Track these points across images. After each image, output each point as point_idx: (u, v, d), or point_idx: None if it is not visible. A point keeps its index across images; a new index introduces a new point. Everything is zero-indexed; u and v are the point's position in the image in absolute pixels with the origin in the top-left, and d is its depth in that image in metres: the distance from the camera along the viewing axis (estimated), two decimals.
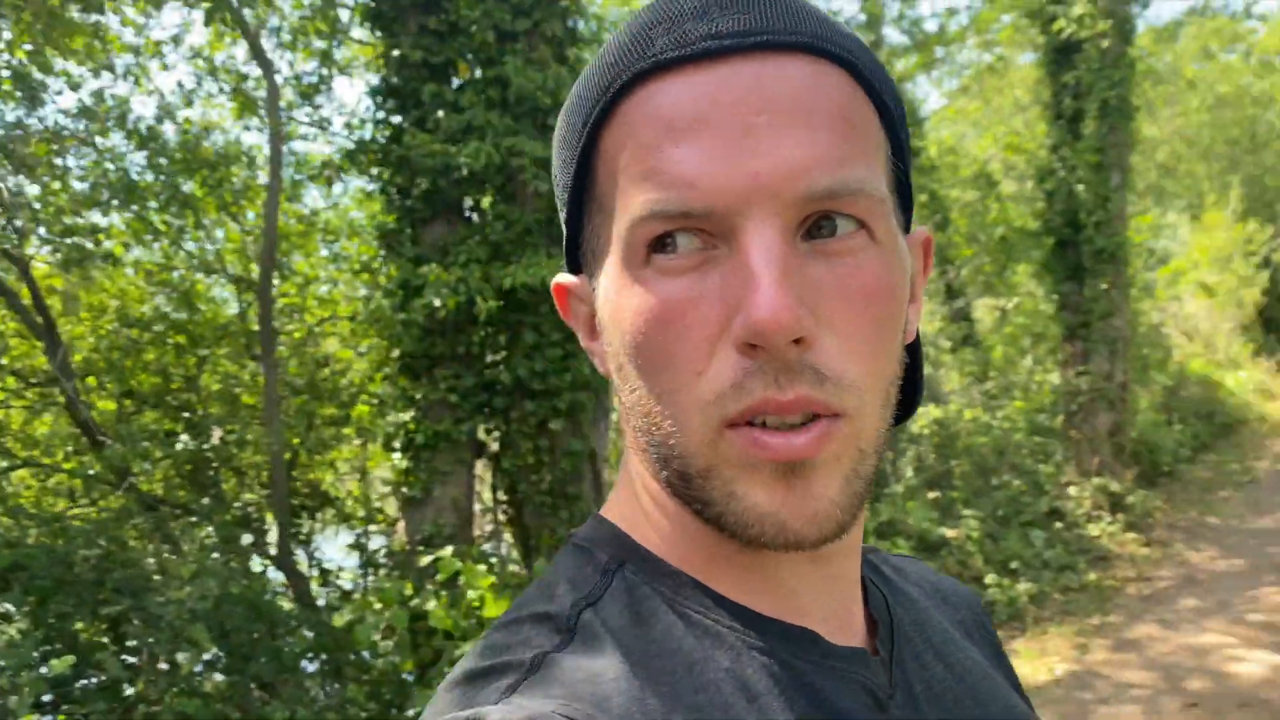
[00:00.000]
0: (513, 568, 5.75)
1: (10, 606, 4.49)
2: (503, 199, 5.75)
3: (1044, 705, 5.03)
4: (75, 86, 6.38)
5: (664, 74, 0.56)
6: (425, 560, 5.28)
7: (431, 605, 4.96)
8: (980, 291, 12.73)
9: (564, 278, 0.67)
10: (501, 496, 6.15)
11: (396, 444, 5.84)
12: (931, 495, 7.91)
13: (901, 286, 0.59)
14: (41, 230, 5.97)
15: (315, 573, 6.37)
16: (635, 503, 0.65)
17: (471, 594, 4.92)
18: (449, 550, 5.22)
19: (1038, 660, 5.80)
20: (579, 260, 0.66)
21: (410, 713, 4.70)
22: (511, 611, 0.62)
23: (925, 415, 8.68)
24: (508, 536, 6.30)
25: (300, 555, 6.49)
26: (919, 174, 11.12)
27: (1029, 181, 11.27)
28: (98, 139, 6.38)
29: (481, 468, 6.40)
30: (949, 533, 7.29)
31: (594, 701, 0.53)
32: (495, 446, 6.01)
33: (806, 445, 0.54)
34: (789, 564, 0.62)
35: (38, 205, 6.04)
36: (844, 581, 0.66)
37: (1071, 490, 8.85)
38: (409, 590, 5.20)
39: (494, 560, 5.91)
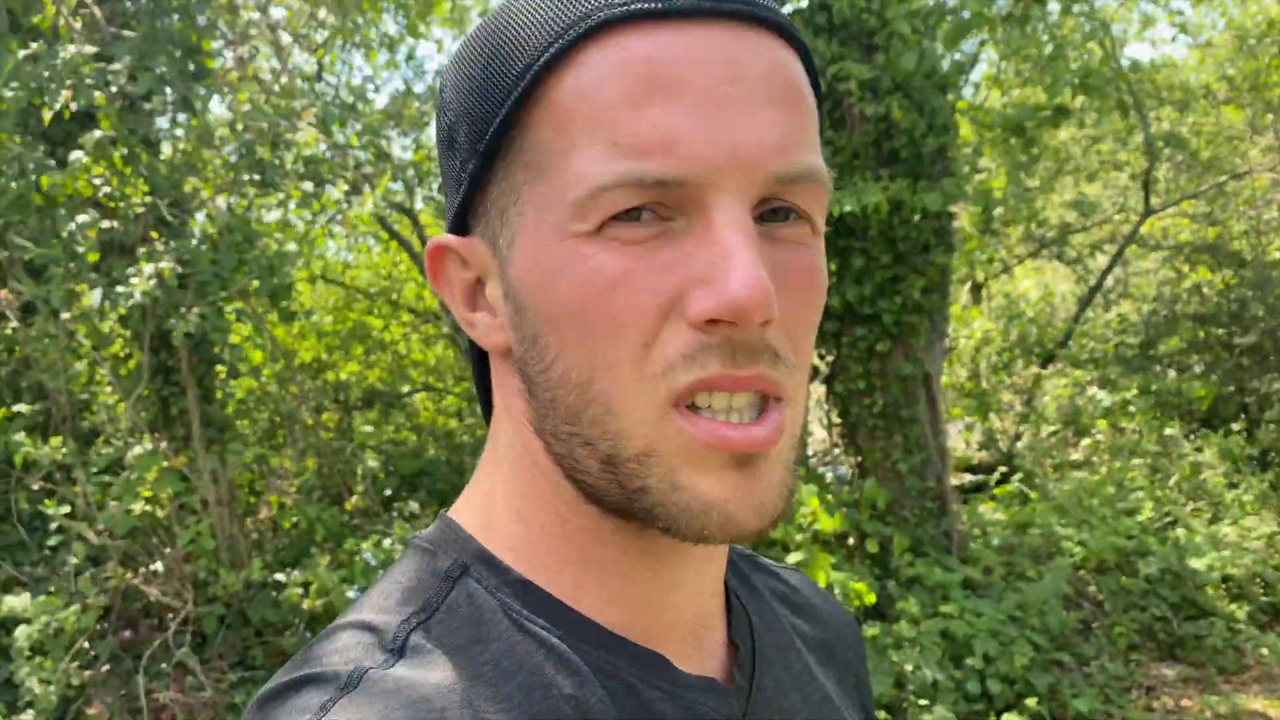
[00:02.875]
0: (846, 488, 5.92)
1: (416, 506, 5.31)
2: (830, 124, 5.81)
3: None
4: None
5: (634, 25, 0.52)
6: None
7: None
8: None
9: (446, 238, 0.60)
10: (835, 419, 6.30)
11: None
12: None
13: (825, 284, 0.58)
14: (424, 184, 6.80)
15: None
16: (489, 503, 0.62)
17: (804, 510, 5.15)
18: None
19: None
20: (466, 219, 0.61)
21: None
22: (338, 618, 0.59)
23: None
24: (844, 457, 6.45)
25: None
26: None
27: None
28: None
29: (816, 390, 6.59)
30: None
31: None
32: (827, 370, 6.16)
33: (767, 438, 0.52)
34: (667, 568, 0.59)
35: (420, 163, 6.89)
36: (708, 594, 0.64)
37: None
38: None
39: (829, 480, 6.11)
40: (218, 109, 4.05)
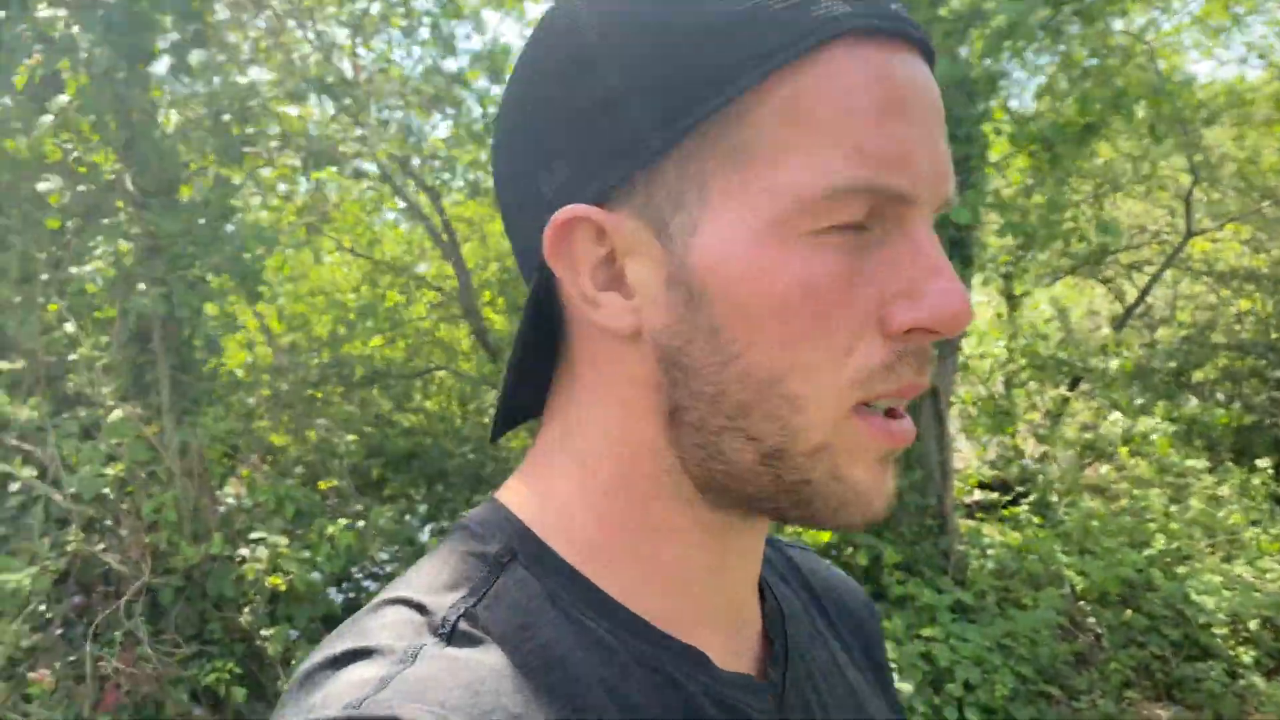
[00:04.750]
0: None
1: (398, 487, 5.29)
2: None
3: None
4: (482, 31, 7.08)
5: (872, 39, 0.53)
6: None
7: None
8: None
9: (586, 210, 0.56)
10: None
11: None
12: None
13: None
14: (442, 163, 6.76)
15: None
16: (549, 491, 0.61)
17: None
18: None
19: None
20: (608, 193, 0.56)
21: None
22: (383, 593, 0.58)
23: None
24: None
25: None
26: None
27: None
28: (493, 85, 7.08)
29: None
30: None
31: (474, 714, 0.49)
32: None
33: (913, 432, 0.57)
34: (727, 561, 0.61)
35: (446, 141, 6.85)
36: (750, 584, 0.64)
37: None
38: None
39: None
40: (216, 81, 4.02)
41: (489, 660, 0.52)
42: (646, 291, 0.56)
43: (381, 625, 0.54)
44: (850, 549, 5.36)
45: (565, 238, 0.56)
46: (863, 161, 0.52)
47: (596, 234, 0.56)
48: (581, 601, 0.57)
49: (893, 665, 4.46)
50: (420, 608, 0.55)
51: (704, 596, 0.61)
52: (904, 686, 4.34)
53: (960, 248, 5.60)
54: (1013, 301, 9.93)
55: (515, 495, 0.62)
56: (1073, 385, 8.53)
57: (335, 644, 0.53)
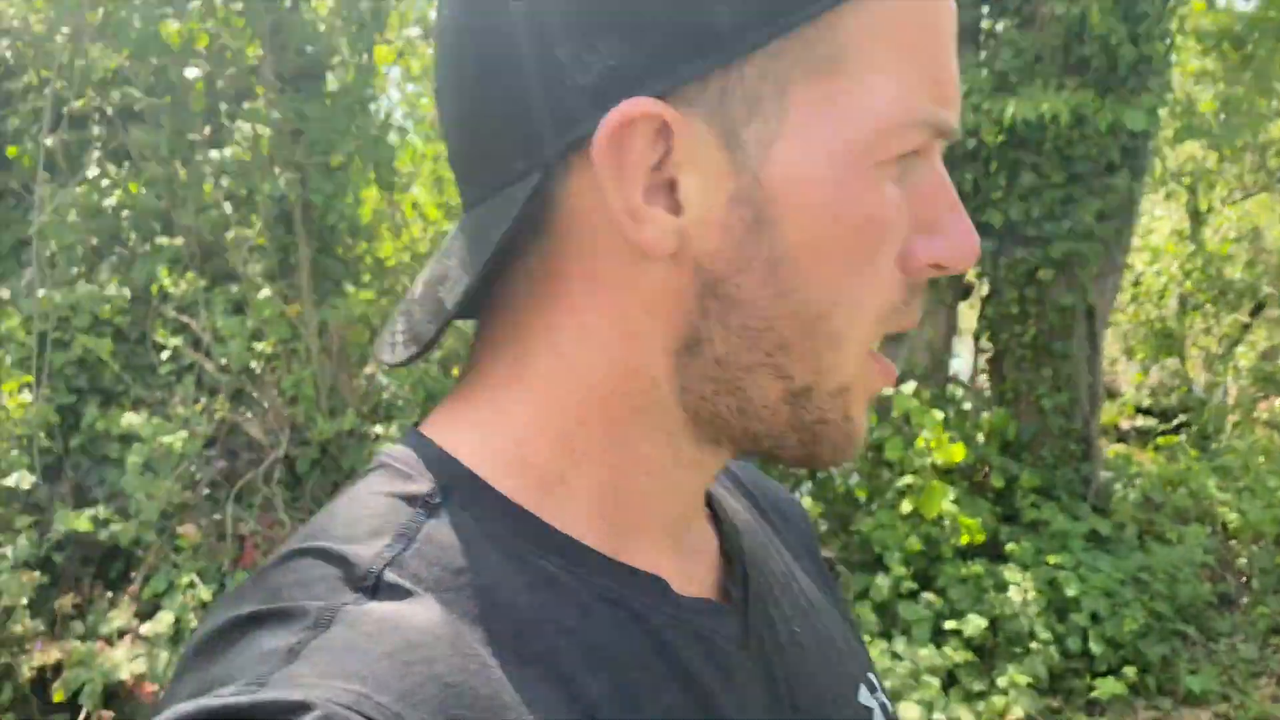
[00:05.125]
0: (983, 415, 5.59)
1: None
2: (1016, 22, 5.28)
3: None
4: None
5: None
6: (887, 392, 5.31)
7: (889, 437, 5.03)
8: None
9: (654, 105, 0.47)
10: (984, 344, 5.92)
11: None
12: None
13: None
14: None
15: None
16: (498, 421, 0.54)
17: (925, 435, 4.90)
18: (910, 387, 5.20)
19: None
20: (675, 83, 0.48)
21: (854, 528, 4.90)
22: (292, 541, 0.51)
23: None
24: (986, 385, 6.09)
25: None
26: None
27: None
28: None
29: (967, 311, 6.21)
30: None
31: (401, 690, 0.42)
32: (983, 292, 5.77)
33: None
34: (695, 483, 0.57)
35: None
36: (699, 508, 0.61)
37: None
38: (873, 420, 5.32)
39: (965, 406, 5.79)
40: None
41: (421, 616, 0.45)
42: (700, 209, 0.49)
43: (293, 581, 0.47)
44: (985, 470, 5.20)
45: (623, 136, 0.47)
46: (938, 93, 0.50)
47: (657, 135, 0.48)
48: (529, 540, 0.51)
49: (1017, 588, 4.34)
50: (338, 559, 0.47)
51: (664, 525, 0.57)
52: (1023, 623, 4.23)
53: (1131, 157, 5.20)
54: (1197, 218, 9.22)
55: (449, 427, 0.55)
56: (1255, 311, 7.92)
57: (238, 603, 0.46)
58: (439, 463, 0.53)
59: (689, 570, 0.58)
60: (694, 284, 0.50)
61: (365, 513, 0.50)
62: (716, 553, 0.62)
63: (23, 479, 3.34)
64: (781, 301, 0.50)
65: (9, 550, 3.07)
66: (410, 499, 0.51)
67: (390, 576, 0.47)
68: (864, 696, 0.64)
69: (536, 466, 0.53)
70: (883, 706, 0.65)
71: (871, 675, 0.67)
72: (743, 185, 0.49)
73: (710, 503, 0.64)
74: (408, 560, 0.48)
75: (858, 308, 0.51)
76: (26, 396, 3.67)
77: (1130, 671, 4.17)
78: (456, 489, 0.51)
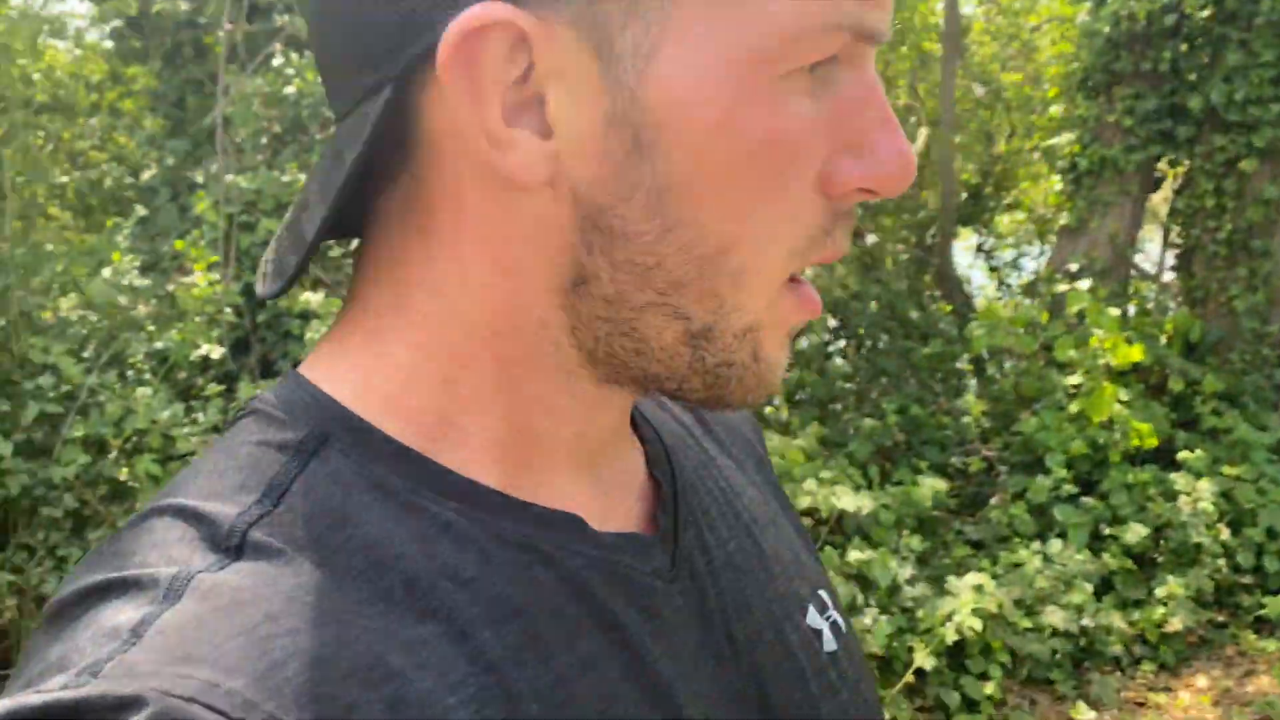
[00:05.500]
0: (1170, 315, 5.25)
1: None
2: None
3: None
4: None
5: None
6: (1060, 289, 5.06)
7: (1059, 336, 4.81)
8: None
9: (502, 10, 0.41)
10: (1174, 239, 5.53)
11: (1058, 164, 5.52)
12: None
13: None
14: None
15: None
16: (375, 361, 0.49)
17: (1099, 334, 4.66)
18: (1086, 284, 4.93)
19: None
20: None
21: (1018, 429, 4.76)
22: (153, 500, 0.46)
23: None
24: (1172, 283, 5.71)
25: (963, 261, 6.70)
26: None
27: None
28: None
29: (1159, 204, 5.78)
30: None
31: (258, 672, 0.37)
32: (1176, 183, 5.36)
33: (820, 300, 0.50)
34: (602, 413, 0.52)
35: None
36: (623, 430, 0.56)
37: None
38: (1044, 318, 5.10)
39: (1148, 305, 5.45)
40: None
41: (288, 581, 0.40)
42: (573, 131, 0.43)
43: (146, 545, 0.42)
44: (1159, 373, 4.91)
45: (471, 49, 0.41)
46: None
47: (513, 47, 0.42)
48: (420, 484, 0.46)
49: (1188, 496, 4.13)
50: (197, 517, 0.42)
51: (576, 462, 0.52)
52: (1190, 534, 4.03)
53: None
54: None
55: (328, 367, 0.49)
56: None
57: (91, 569, 0.42)
58: (317, 406, 0.47)
59: (612, 504, 0.53)
60: (574, 216, 0.45)
61: (232, 464, 0.45)
62: (645, 480, 0.57)
63: (212, 350, 3.62)
64: (670, 235, 0.44)
65: (200, 415, 3.35)
66: (283, 447, 0.46)
67: (257, 536, 0.42)
68: (812, 618, 0.60)
69: (425, 410, 0.48)
70: (834, 625, 0.61)
71: (823, 593, 0.62)
72: (619, 104, 0.43)
73: (638, 423, 0.59)
74: (279, 516, 0.43)
75: (765, 240, 0.45)
76: (216, 275, 3.95)
77: None
78: (336, 434, 0.46)
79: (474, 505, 0.46)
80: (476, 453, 0.48)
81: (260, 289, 0.51)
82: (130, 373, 3.68)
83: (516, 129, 0.43)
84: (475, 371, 0.48)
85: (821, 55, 0.43)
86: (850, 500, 3.85)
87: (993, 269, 6.78)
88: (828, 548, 3.78)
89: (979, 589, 3.56)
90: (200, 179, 4.72)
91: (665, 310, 0.46)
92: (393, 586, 0.42)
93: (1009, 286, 6.62)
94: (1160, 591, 3.85)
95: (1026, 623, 3.65)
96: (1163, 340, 4.99)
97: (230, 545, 0.41)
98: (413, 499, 0.45)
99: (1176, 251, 5.49)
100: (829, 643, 0.60)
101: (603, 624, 0.47)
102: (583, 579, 0.47)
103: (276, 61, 4.73)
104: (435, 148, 0.46)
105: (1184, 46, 5.01)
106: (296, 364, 0.52)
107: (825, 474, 4.04)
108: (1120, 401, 4.51)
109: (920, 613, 3.58)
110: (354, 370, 0.49)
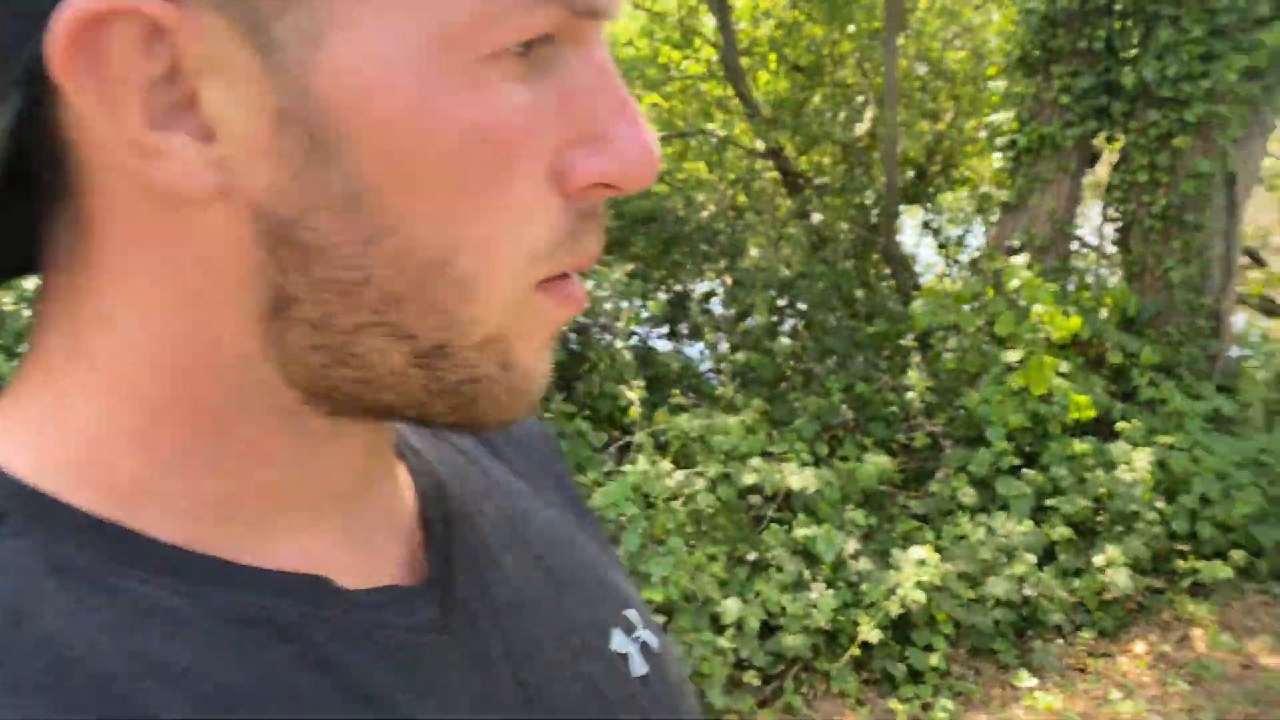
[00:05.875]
0: (1109, 290, 5.35)
1: (639, 248, 5.42)
2: None
3: None
4: None
5: None
6: (996, 266, 5.14)
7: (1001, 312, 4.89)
8: None
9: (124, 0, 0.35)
10: (1112, 214, 5.62)
11: (998, 143, 5.59)
12: None
13: None
14: None
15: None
16: (55, 421, 0.41)
17: (1037, 309, 4.73)
18: (1023, 259, 5.01)
19: None
20: None
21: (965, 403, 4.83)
22: None
23: None
24: (1113, 256, 5.82)
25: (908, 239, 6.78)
26: None
27: None
28: None
29: (1093, 180, 5.88)
30: None
31: None
32: (1111, 158, 5.46)
33: (585, 296, 0.45)
34: (343, 451, 0.45)
35: None
36: (381, 467, 0.50)
37: None
38: (989, 293, 5.17)
39: (1087, 280, 5.55)
40: None
41: None
42: (238, 132, 0.37)
43: None
44: (1099, 346, 5.01)
45: (91, 44, 0.35)
46: None
47: (148, 39, 0.36)
48: (120, 562, 0.39)
49: (1125, 467, 4.22)
50: None
51: (318, 513, 0.45)
52: (1130, 505, 4.13)
53: None
54: None
55: (1, 429, 0.42)
56: None
57: None
58: None
59: (370, 554, 0.47)
60: (256, 230, 0.38)
61: None
62: (414, 521, 0.51)
63: None
64: (375, 247, 0.38)
65: None
66: None
67: None
68: (618, 642, 0.55)
69: (117, 471, 0.41)
70: (644, 646, 0.56)
71: (630, 612, 0.58)
72: (289, 99, 0.36)
73: (405, 455, 0.53)
74: None
75: (492, 245, 0.40)
76: None
77: (1239, 556, 4.05)
78: (11, 512, 0.39)
79: (187, 579, 0.39)
80: (188, 516, 0.41)
81: None
82: None
83: (168, 133, 0.37)
84: (172, 421, 0.41)
85: (529, 34, 0.38)
86: (797, 479, 3.89)
87: (941, 246, 6.87)
88: (774, 524, 3.83)
89: (922, 562, 3.63)
90: None
91: (384, 330, 0.40)
92: (77, 692, 0.35)
93: (957, 263, 6.71)
94: (1098, 559, 3.94)
95: (970, 593, 3.73)
96: (1102, 314, 5.09)
97: None
98: (109, 580, 0.38)
99: (1115, 226, 5.58)
100: (637, 666, 0.55)
101: (350, 698, 0.41)
102: (327, 651, 0.41)
103: None
104: (84, 163, 0.39)
105: (1118, 24, 5.09)
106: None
107: (772, 449, 4.08)
108: (1060, 375, 4.60)
109: (865, 586, 3.64)
110: (31, 433, 0.41)
